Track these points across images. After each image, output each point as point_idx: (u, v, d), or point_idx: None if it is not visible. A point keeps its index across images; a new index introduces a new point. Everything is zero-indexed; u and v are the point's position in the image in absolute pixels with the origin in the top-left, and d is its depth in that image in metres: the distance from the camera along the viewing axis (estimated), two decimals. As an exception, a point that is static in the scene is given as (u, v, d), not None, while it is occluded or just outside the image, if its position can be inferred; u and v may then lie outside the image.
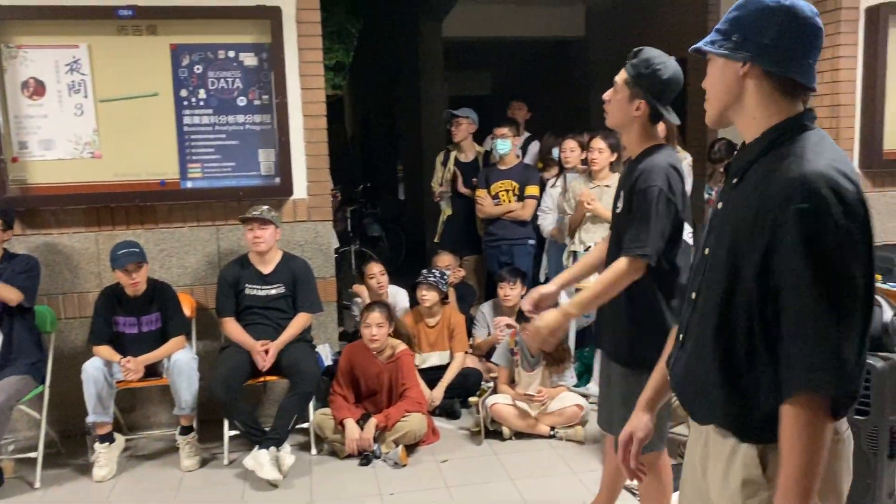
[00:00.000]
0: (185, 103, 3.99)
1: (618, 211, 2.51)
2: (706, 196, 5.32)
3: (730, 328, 1.45)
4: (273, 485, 3.46)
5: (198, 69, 3.97)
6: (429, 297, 4.41)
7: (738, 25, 1.48)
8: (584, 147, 4.65)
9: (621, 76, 2.41)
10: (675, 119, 2.44)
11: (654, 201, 2.32)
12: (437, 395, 4.27)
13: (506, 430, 3.96)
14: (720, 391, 1.47)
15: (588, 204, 4.30)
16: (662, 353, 1.79)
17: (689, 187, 4.94)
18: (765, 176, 1.40)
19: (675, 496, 3.02)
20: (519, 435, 3.97)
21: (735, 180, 1.50)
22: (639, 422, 1.79)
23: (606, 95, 2.46)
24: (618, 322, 2.49)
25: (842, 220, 1.30)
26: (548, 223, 4.90)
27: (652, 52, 2.37)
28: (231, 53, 4.00)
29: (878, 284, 3.64)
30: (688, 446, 1.70)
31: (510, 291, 4.57)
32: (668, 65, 2.36)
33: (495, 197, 5.03)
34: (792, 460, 1.34)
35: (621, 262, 2.34)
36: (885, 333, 2.85)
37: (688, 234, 2.50)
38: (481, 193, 5.06)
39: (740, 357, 1.44)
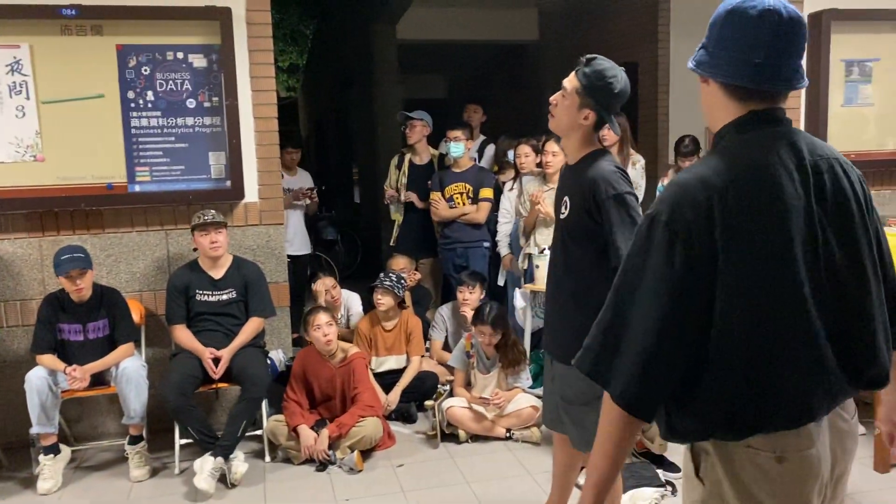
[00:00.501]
0: (133, 105, 3.90)
1: (562, 216, 2.51)
2: (658, 196, 5.39)
3: None
4: (206, 495, 3.39)
5: (145, 70, 3.89)
6: (384, 301, 4.38)
7: (707, 36, 1.49)
8: (538, 151, 4.69)
9: (572, 83, 2.41)
10: (618, 129, 2.49)
11: (627, 206, 2.34)
12: (393, 399, 4.25)
13: (462, 433, 3.95)
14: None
15: (538, 205, 4.35)
16: None
17: (642, 189, 5.02)
18: None
19: (625, 497, 3.06)
20: (475, 437, 3.97)
21: None
22: None
23: (553, 99, 2.46)
24: (565, 324, 2.50)
25: (663, 225, 1.37)
26: (504, 232, 4.92)
27: (605, 64, 2.38)
28: (180, 55, 3.92)
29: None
30: None
31: (469, 295, 4.57)
32: (619, 77, 2.38)
33: (449, 199, 5.04)
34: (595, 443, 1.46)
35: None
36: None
37: None
38: (436, 196, 5.06)
39: None
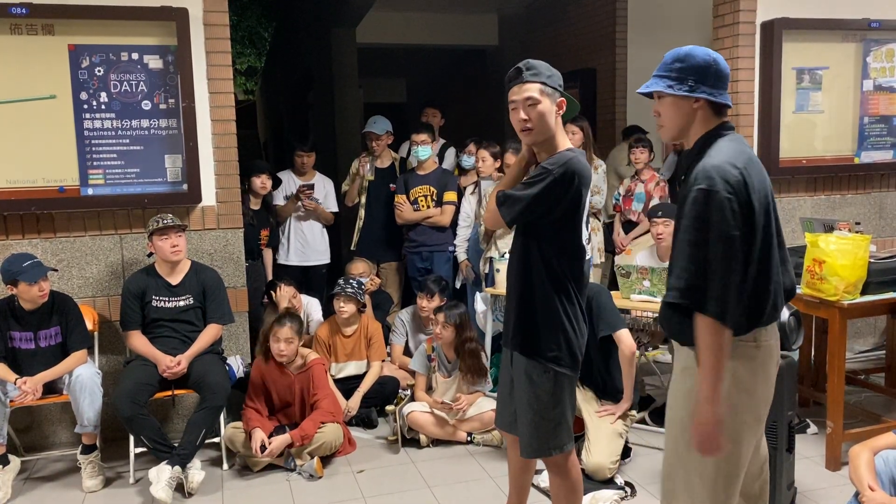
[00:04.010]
0: (86, 106, 3.82)
1: None
2: (612, 202, 5.46)
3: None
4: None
5: (99, 71, 3.81)
6: (347, 308, 4.32)
7: (688, 73, 2.09)
8: (498, 156, 4.71)
9: (535, 89, 2.43)
10: (577, 103, 2.63)
11: (543, 180, 2.40)
12: (354, 404, 4.22)
13: (423, 438, 3.94)
14: (677, 318, 2.09)
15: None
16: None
17: (604, 193, 5.08)
18: (691, 171, 2.07)
19: (586, 498, 3.07)
20: (436, 442, 3.97)
21: (683, 177, 2.15)
22: None
23: (526, 113, 2.44)
24: (524, 317, 2.55)
25: (725, 193, 1.94)
26: (463, 237, 4.94)
27: (538, 61, 2.51)
28: (135, 55, 3.85)
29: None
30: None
31: (428, 304, 4.54)
32: (551, 66, 2.53)
33: (414, 202, 5.03)
34: (702, 360, 1.99)
35: (493, 208, 2.51)
36: (782, 333, 2.98)
37: (585, 237, 2.55)
38: (400, 199, 5.05)
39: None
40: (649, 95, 2.18)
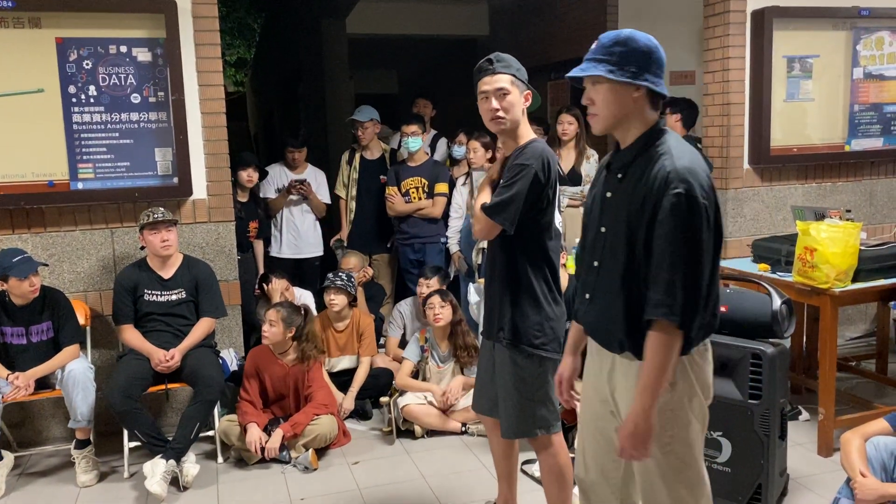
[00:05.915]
0: (74, 100, 3.79)
1: None
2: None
3: (631, 284, 1.95)
4: (159, 499, 3.29)
5: (87, 64, 3.78)
6: (337, 301, 4.32)
7: (630, 59, 1.92)
8: (489, 146, 4.70)
9: (505, 80, 2.53)
10: (539, 96, 2.69)
11: (525, 176, 2.48)
12: (349, 404, 4.18)
13: (418, 429, 3.95)
14: (625, 329, 1.98)
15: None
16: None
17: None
18: (644, 170, 1.93)
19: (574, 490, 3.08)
20: (431, 433, 3.97)
21: (620, 175, 2.00)
22: (565, 364, 2.33)
23: (497, 101, 2.54)
24: (504, 307, 2.61)
25: (702, 199, 1.85)
26: (455, 228, 4.93)
27: (506, 54, 2.59)
28: (123, 48, 3.82)
29: (767, 274, 3.83)
30: (589, 375, 2.21)
31: (427, 289, 4.54)
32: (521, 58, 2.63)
33: (405, 194, 5.02)
34: (649, 367, 1.89)
35: (484, 220, 2.54)
36: (774, 321, 3.00)
37: (558, 221, 2.64)
38: (392, 191, 5.04)
39: (638, 305, 1.92)
40: (579, 81, 2.02)
